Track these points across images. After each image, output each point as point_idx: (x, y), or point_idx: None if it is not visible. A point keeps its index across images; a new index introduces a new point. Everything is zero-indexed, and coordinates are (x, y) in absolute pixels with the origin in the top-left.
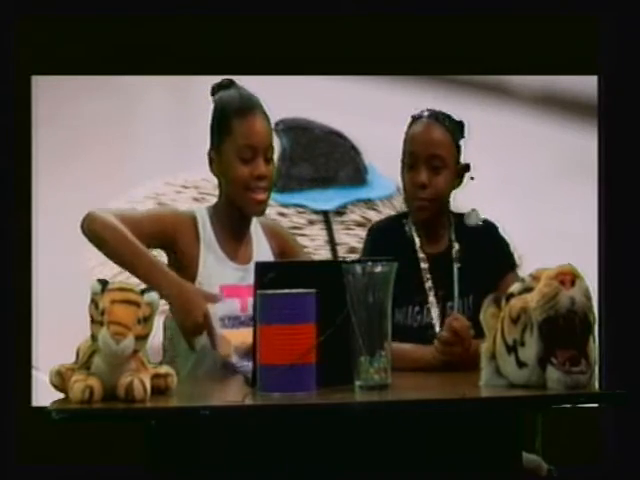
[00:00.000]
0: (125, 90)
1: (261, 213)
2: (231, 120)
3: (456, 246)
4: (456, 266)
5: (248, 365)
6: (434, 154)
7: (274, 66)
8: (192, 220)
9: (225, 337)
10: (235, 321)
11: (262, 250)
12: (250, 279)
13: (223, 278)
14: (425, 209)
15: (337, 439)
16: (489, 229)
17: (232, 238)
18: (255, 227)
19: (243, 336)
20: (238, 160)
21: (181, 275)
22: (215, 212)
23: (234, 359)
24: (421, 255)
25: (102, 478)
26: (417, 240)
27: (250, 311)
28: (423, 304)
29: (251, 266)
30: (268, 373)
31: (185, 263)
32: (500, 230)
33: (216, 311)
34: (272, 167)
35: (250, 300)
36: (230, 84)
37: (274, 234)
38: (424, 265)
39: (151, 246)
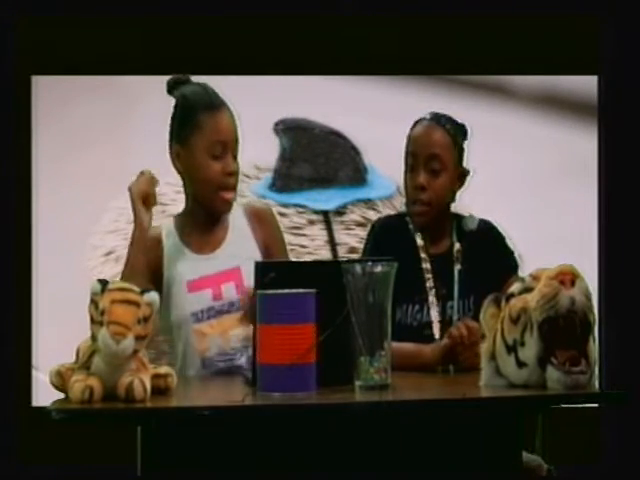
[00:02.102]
0: (125, 90)
1: (228, 211)
2: (199, 115)
3: (456, 246)
4: (457, 267)
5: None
6: (433, 154)
7: (274, 66)
8: (157, 237)
9: (200, 331)
10: (210, 312)
11: (238, 234)
12: (221, 265)
13: (188, 273)
14: (424, 214)
15: (337, 439)
16: (491, 231)
17: (199, 233)
18: (235, 211)
19: (222, 326)
20: (208, 157)
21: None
22: (181, 219)
23: (214, 353)
24: (423, 255)
25: (102, 478)
26: (419, 239)
27: (225, 298)
28: (423, 303)
29: (220, 252)
30: (268, 373)
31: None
32: (502, 232)
33: (187, 308)
34: (237, 164)
35: (223, 287)
36: (187, 80)
37: (260, 220)
38: (426, 265)
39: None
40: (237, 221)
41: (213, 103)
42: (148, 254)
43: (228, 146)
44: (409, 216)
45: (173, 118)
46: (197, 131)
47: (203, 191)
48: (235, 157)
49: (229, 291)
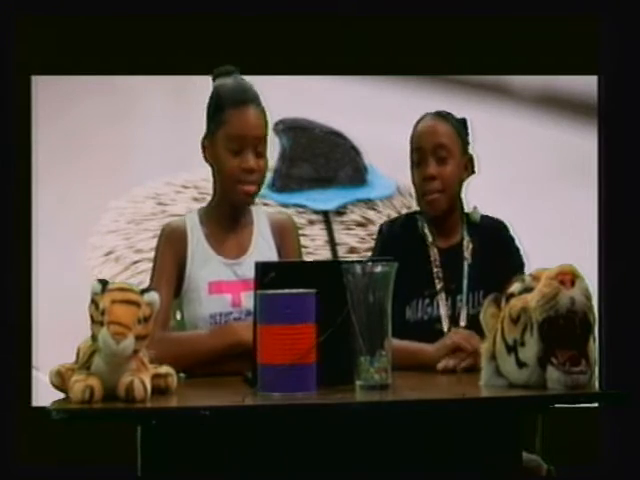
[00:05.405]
0: (125, 90)
1: (250, 204)
2: (224, 110)
3: (467, 240)
4: (466, 260)
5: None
6: (439, 144)
7: (274, 66)
8: (182, 229)
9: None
10: (228, 317)
11: (262, 242)
12: (243, 273)
13: (211, 274)
14: (437, 202)
15: (337, 439)
16: (502, 230)
17: (224, 233)
18: (260, 217)
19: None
20: (227, 151)
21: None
22: (207, 210)
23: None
24: (432, 248)
25: (102, 478)
26: (429, 235)
27: (243, 306)
28: (433, 297)
29: (244, 260)
30: (268, 373)
31: (176, 264)
32: (511, 231)
33: (206, 309)
34: (264, 161)
35: (243, 295)
36: (231, 72)
37: (279, 227)
38: (435, 258)
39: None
40: (262, 229)
41: (239, 99)
42: (173, 247)
43: (247, 143)
44: (421, 211)
45: (207, 109)
46: (220, 125)
47: (225, 183)
48: (260, 154)
49: (248, 300)
